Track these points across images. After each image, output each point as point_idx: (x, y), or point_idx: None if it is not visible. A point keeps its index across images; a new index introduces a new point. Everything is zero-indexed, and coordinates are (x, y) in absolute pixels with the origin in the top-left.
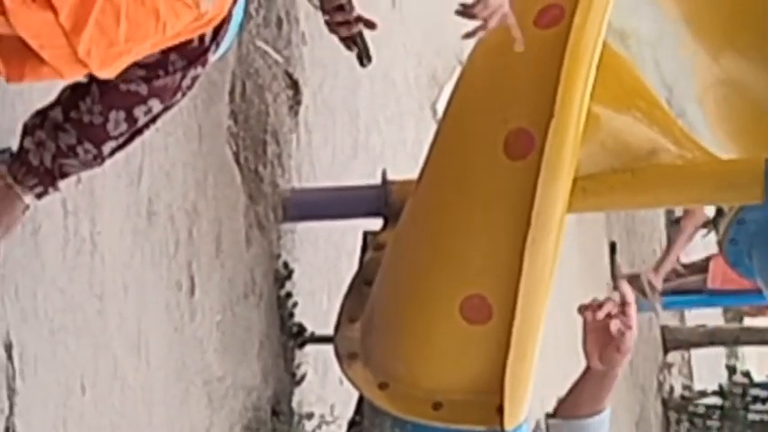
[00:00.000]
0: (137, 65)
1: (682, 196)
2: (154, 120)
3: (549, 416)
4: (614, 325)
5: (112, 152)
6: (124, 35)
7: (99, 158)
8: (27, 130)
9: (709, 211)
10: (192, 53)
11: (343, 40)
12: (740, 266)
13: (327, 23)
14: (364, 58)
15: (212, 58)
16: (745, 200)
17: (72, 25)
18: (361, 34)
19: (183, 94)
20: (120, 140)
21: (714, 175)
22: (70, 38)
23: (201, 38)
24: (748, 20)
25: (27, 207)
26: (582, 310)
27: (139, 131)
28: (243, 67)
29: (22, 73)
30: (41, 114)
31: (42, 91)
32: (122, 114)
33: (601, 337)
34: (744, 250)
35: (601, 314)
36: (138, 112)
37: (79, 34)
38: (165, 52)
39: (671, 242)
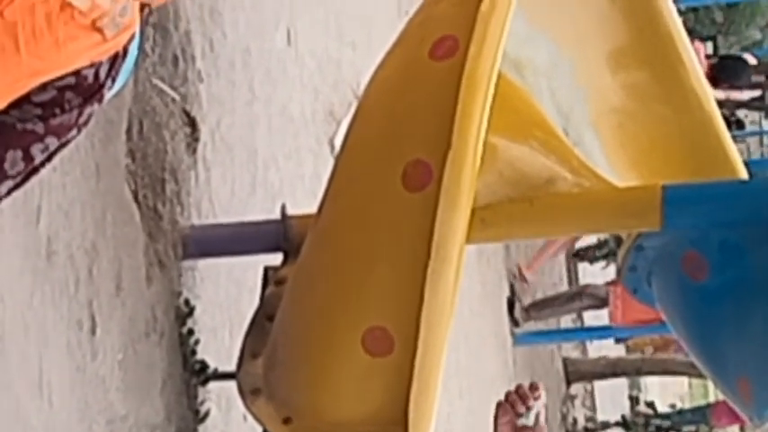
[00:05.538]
0: (32, 103)
1: (580, 225)
2: (50, 158)
3: None
4: None
5: (9, 192)
6: (27, 70)
7: None
8: None
9: None
10: (87, 90)
11: None
12: (639, 293)
13: None
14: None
15: (108, 94)
16: (642, 227)
17: None
18: None
19: (79, 131)
20: (18, 179)
21: (611, 202)
22: None
23: (96, 74)
24: (640, 52)
25: None
26: None
27: (36, 170)
28: (139, 106)
29: None
30: None
31: None
32: (19, 153)
33: None
34: (643, 277)
35: None
36: (35, 150)
37: None
38: (61, 90)
39: None
